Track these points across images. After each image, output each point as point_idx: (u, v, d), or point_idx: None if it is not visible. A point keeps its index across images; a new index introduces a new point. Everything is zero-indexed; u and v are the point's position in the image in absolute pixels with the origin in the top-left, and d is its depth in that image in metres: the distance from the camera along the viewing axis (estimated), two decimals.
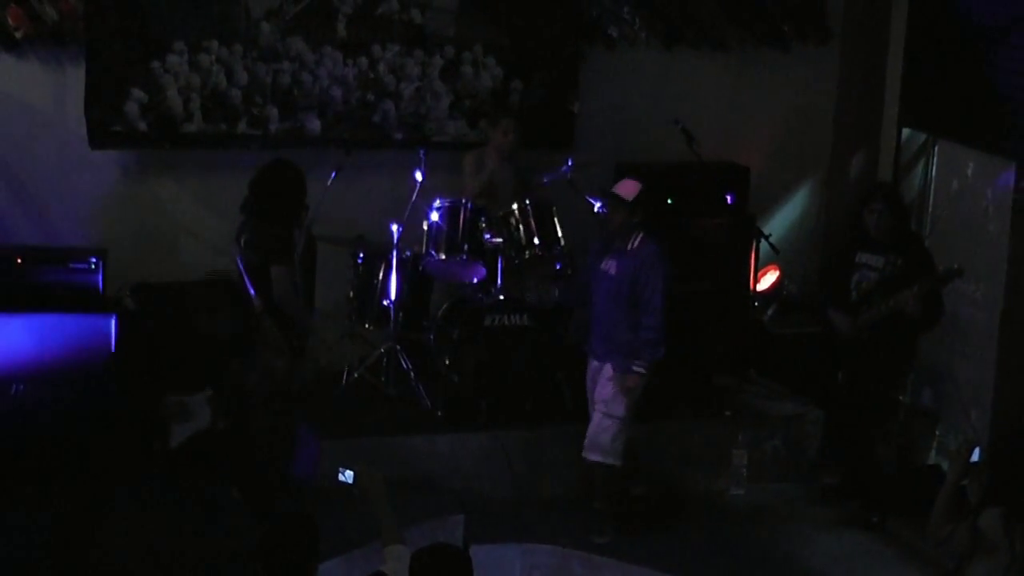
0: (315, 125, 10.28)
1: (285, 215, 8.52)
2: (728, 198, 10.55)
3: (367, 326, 9.94)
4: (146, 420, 7.87)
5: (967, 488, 6.66)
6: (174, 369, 7.95)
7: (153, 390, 7.90)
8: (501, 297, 9.65)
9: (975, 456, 6.85)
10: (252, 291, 8.50)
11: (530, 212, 9.67)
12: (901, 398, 9.66)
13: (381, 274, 9.79)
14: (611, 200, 8.74)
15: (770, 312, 10.95)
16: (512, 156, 10.18)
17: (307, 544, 5.87)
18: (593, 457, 8.75)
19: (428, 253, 9.69)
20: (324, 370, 9.93)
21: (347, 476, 6.40)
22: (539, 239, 9.67)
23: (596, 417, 8.76)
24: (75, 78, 9.82)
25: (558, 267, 9.79)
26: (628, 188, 8.70)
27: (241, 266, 8.64)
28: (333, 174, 9.73)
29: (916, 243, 9.29)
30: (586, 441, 8.76)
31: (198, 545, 8.14)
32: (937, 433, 10.27)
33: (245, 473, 8.09)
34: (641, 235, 8.73)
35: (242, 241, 8.58)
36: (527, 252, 9.67)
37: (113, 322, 9.03)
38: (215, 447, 7.96)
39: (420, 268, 9.82)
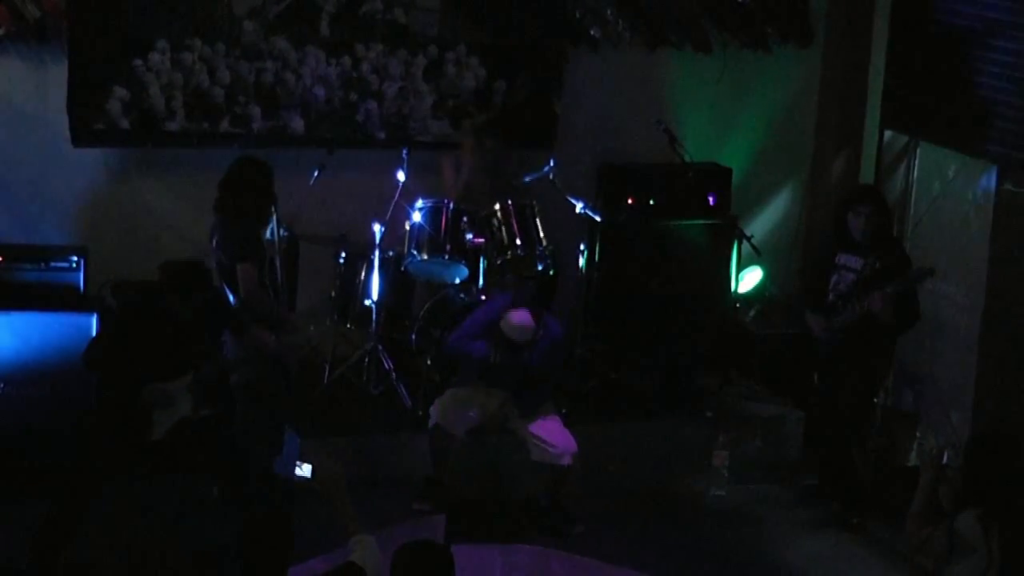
0: (298, 124, 10.27)
1: (247, 212, 8.53)
2: (710, 199, 10.58)
3: (349, 326, 9.95)
4: (127, 417, 7.86)
5: (940, 491, 6.68)
6: (155, 363, 7.95)
7: (134, 387, 7.89)
8: (483, 297, 9.65)
9: (946, 459, 6.87)
10: (228, 291, 8.51)
11: (512, 212, 9.69)
12: (877, 400, 9.66)
13: (363, 274, 9.80)
14: (525, 340, 8.70)
15: (752, 313, 10.97)
16: (494, 156, 10.20)
17: (281, 542, 5.88)
18: (568, 461, 8.83)
19: (410, 253, 9.69)
20: (305, 369, 9.92)
21: (305, 470, 6.37)
22: (521, 240, 9.68)
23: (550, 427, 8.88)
24: (57, 76, 9.79)
25: (540, 267, 9.80)
26: (525, 324, 8.66)
27: (215, 267, 8.67)
28: (315, 173, 9.75)
29: (896, 246, 9.29)
30: (555, 450, 8.82)
31: (178, 543, 8.14)
32: (917, 435, 10.29)
33: (229, 468, 8.09)
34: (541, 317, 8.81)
35: (213, 242, 8.61)
36: (509, 252, 9.68)
37: (94, 320, 9.03)
38: (198, 438, 7.95)
39: (402, 268, 9.82)
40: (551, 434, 8.83)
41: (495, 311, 8.79)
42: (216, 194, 8.62)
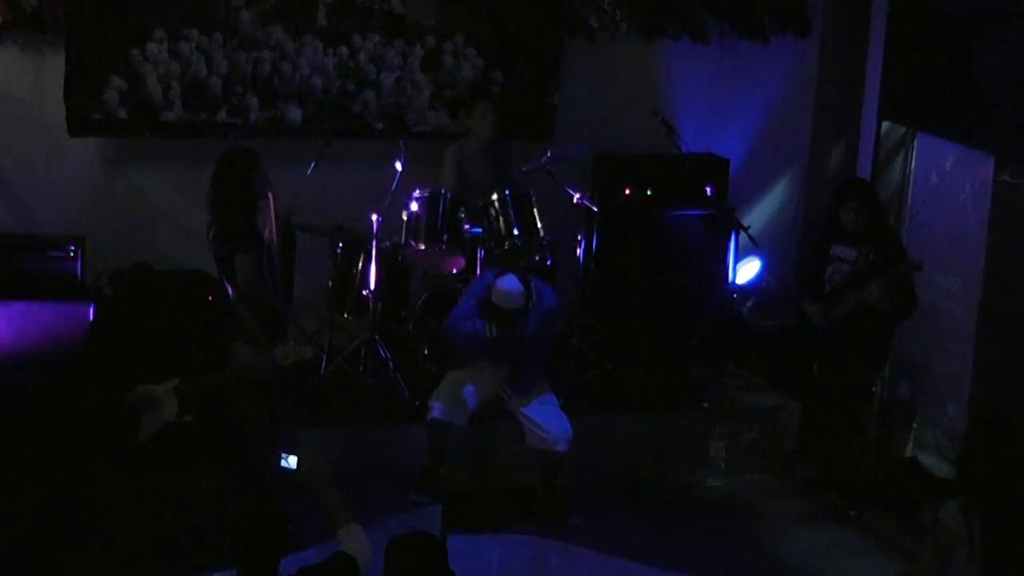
0: (295, 114, 10.27)
1: (238, 203, 8.56)
2: (708, 190, 10.57)
3: (346, 316, 9.93)
4: (121, 410, 7.87)
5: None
6: (147, 359, 7.96)
7: (127, 379, 7.91)
8: None
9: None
10: (226, 283, 8.52)
11: (509, 203, 9.68)
12: (875, 389, 9.67)
13: (360, 264, 9.78)
14: (516, 318, 8.69)
15: (749, 304, 10.97)
16: (491, 146, 10.19)
17: (273, 534, 5.89)
18: (564, 447, 8.85)
19: (407, 243, 9.69)
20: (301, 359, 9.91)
21: (290, 462, 6.37)
22: (518, 230, 9.67)
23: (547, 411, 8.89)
24: (54, 65, 9.79)
25: (537, 258, 9.79)
26: (512, 289, 8.64)
27: (213, 259, 8.68)
28: (313, 164, 9.74)
29: (890, 237, 9.29)
30: (551, 436, 8.85)
31: (171, 534, 8.15)
32: (914, 426, 10.30)
33: (229, 463, 8.10)
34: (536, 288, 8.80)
35: (211, 234, 8.63)
36: (506, 243, 9.68)
37: (91, 310, 9.03)
38: (185, 439, 7.96)
39: (399, 258, 9.82)
40: (547, 420, 8.83)
41: (485, 285, 8.79)
42: (209, 192, 8.67)
